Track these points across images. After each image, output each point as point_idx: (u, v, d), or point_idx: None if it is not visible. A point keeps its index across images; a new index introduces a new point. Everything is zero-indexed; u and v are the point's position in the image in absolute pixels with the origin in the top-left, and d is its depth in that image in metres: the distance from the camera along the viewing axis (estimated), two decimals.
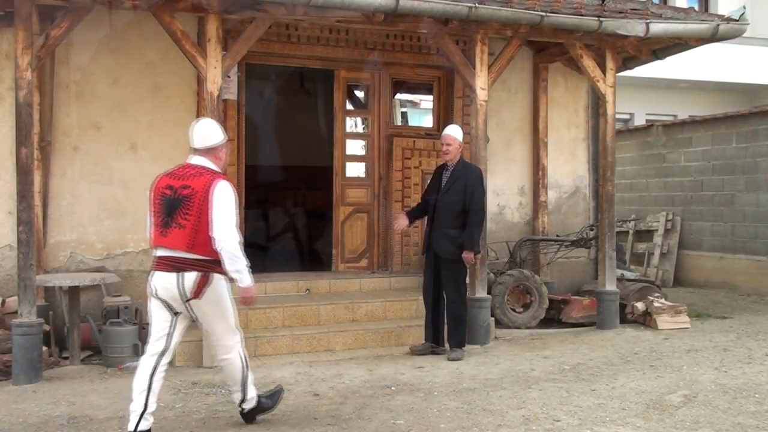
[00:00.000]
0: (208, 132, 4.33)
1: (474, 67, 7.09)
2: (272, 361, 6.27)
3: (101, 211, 7.00)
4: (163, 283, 4.14)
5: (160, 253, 4.16)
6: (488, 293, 7.34)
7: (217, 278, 4.16)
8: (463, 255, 6.30)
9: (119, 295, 6.78)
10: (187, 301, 4.14)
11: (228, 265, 4.07)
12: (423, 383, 5.55)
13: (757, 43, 15.29)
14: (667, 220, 11.88)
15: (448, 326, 6.47)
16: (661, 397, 5.17)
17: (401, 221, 6.66)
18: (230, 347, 4.37)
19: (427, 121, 9.27)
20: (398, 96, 10.69)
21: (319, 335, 6.70)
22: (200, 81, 6.88)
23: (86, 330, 6.47)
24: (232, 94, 7.35)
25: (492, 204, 8.28)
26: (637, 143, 12.83)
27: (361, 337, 6.83)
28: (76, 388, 5.46)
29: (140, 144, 7.12)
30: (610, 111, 7.76)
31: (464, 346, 6.48)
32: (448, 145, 6.39)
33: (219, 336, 4.34)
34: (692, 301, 9.52)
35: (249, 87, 8.04)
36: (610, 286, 7.76)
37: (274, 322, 6.85)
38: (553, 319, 8.11)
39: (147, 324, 6.78)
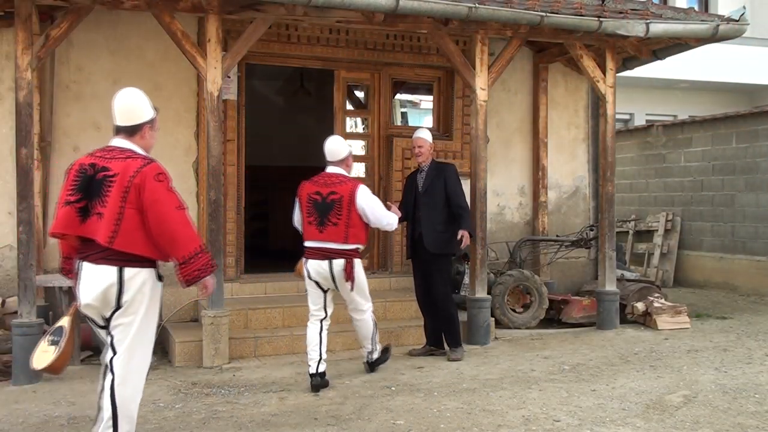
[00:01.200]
0: (337, 147, 5.48)
1: (474, 68, 7.09)
2: (272, 361, 6.27)
3: None
4: (316, 267, 5.34)
5: (313, 244, 5.36)
6: (488, 293, 7.33)
7: (357, 262, 5.37)
8: (460, 233, 6.24)
9: None
10: (336, 280, 5.32)
11: (393, 228, 5.68)
12: (423, 383, 5.56)
13: (757, 43, 15.27)
14: (667, 221, 11.87)
15: (442, 327, 6.46)
16: (661, 397, 5.18)
17: (395, 209, 6.63)
18: (364, 311, 5.59)
19: (427, 122, 9.27)
20: (398, 96, 10.69)
21: None
22: (200, 81, 6.89)
23: (86, 330, 6.45)
24: (232, 94, 7.35)
25: (492, 204, 8.28)
26: (637, 143, 12.83)
27: None
28: (76, 388, 5.45)
29: None
30: (610, 111, 7.76)
31: (461, 344, 6.47)
32: (420, 147, 6.42)
33: (356, 303, 5.53)
34: (692, 302, 9.52)
35: (249, 87, 8.02)
36: (610, 287, 7.76)
37: (274, 322, 6.85)
38: (553, 319, 8.11)
39: None
